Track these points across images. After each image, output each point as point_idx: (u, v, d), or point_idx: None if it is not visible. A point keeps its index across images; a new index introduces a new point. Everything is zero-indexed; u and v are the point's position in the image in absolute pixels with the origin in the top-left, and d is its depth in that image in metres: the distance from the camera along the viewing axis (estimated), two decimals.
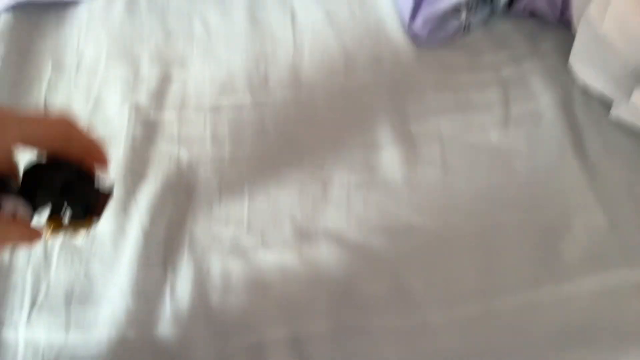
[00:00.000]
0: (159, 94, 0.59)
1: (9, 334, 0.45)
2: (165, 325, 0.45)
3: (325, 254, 0.49)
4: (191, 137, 0.56)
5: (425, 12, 0.59)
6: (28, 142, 0.32)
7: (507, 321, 0.45)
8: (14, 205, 0.32)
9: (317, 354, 0.44)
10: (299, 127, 0.57)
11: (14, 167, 0.33)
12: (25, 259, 0.49)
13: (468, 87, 0.59)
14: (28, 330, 0.45)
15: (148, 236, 0.48)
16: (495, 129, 0.56)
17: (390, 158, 0.54)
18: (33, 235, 0.34)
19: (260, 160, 0.54)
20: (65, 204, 0.35)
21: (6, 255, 0.49)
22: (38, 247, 0.49)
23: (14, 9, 0.65)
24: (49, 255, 0.49)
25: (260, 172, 0.54)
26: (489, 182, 0.52)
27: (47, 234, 0.36)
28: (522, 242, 0.49)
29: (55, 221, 0.36)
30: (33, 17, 0.66)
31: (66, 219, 0.36)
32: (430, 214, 0.51)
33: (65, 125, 0.34)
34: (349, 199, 0.52)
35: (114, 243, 0.49)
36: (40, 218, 0.35)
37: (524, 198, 0.51)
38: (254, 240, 0.50)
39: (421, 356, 0.44)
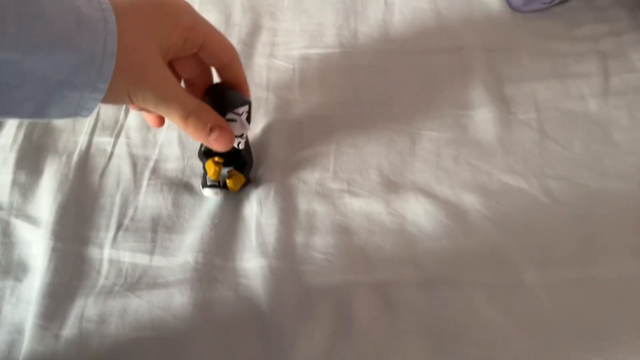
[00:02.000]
0: (249, 41, 0.59)
1: (94, 253, 0.45)
2: (250, 256, 0.44)
3: (413, 206, 0.47)
4: (280, 83, 0.55)
5: None
6: (197, 38, 0.36)
7: (605, 290, 0.42)
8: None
9: (404, 301, 0.42)
10: (389, 82, 0.55)
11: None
12: (115, 182, 0.49)
13: (565, 55, 0.57)
14: (113, 251, 0.45)
15: None
16: (594, 98, 0.53)
17: (483, 118, 0.52)
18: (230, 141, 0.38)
19: (348, 110, 0.53)
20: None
21: (96, 177, 0.49)
22: (128, 172, 0.49)
23: None
24: (139, 180, 0.49)
25: (347, 122, 0.53)
26: (588, 150, 0.50)
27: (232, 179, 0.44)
28: (623, 211, 0.46)
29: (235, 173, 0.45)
30: None
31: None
32: (526, 176, 0.48)
33: (232, 51, 0.39)
34: (438, 154, 0.50)
35: (202, 178, 0.48)
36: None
37: (626, 169, 0.49)
38: (340, 186, 0.48)
39: (515, 314, 0.41)
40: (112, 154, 0.51)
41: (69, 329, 0.41)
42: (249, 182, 0.48)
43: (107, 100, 0.31)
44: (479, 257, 0.44)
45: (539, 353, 0.40)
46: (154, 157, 0.50)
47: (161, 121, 0.42)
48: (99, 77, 0.30)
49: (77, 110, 0.31)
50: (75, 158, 0.50)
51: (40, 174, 0.49)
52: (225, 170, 0.45)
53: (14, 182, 0.48)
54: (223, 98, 0.40)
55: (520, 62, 0.56)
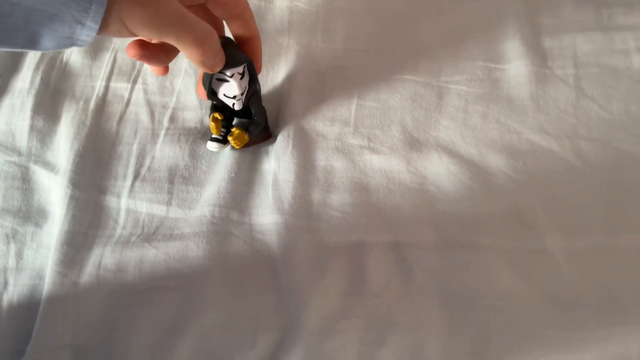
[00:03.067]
0: None
1: (112, 202, 0.45)
2: (266, 212, 0.44)
3: (436, 165, 0.45)
4: (302, 28, 0.53)
5: None
6: None
7: (631, 259, 0.41)
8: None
9: (420, 262, 0.41)
10: (419, 30, 0.52)
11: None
12: (132, 130, 0.48)
13: (612, 5, 0.52)
14: (130, 201, 0.45)
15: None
16: None
17: (517, 72, 0.49)
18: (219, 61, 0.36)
19: (373, 59, 0.51)
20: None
21: (114, 124, 0.48)
22: (146, 120, 0.48)
23: None
24: (157, 129, 0.48)
25: (371, 73, 0.50)
26: (627, 111, 0.47)
27: (233, 137, 0.43)
28: None
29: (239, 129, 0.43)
30: None
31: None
32: (558, 137, 0.46)
33: (244, 3, 0.38)
34: (466, 111, 0.48)
35: None
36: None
37: None
38: (360, 142, 0.47)
39: (534, 281, 0.40)
40: (129, 100, 0.50)
41: (87, 277, 0.41)
42: (269, 137, 0.47)
43: (103, 33, 0.30)
44: (500, 221, 0.43)
45: (556, 321, 0.39)
46: (172, 105, 0.49)
47: (165, 69, 0.41)
48: (88, 16, 0.28)
49: (71, 42, 0.30)
50: (92, 104, 0.49)
51: (58, 120, 0.48)
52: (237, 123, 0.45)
53: (32, 128, 0.48)
54: None
55: (561, 11, 0.52)
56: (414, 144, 0.47)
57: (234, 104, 0.41)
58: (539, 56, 0.49)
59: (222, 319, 0.40)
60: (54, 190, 0.45)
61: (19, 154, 0.47)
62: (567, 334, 0.38)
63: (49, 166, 0.46)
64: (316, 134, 0.47)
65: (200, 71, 0.42)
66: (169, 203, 0.45)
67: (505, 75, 0.49)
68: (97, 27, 0.29)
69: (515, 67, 0.49)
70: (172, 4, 0.31)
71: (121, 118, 0.49)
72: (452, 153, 0.46)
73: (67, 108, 0.49)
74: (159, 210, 0.44)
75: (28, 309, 0.41)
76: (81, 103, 0.49)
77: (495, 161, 0.45)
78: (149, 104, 0.49)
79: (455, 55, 0.51)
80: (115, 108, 0.49)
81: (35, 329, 0.39)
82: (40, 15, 0.27)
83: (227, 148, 0.46)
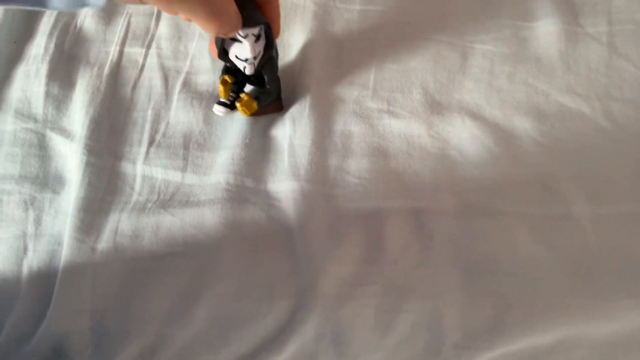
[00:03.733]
0: None
1: (127, 168, 0.45)
2: (282, 178, 0.43)
3: (459, 129, 0.44)
4: None
5: None
6: None
7: None
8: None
9: (439, 229, 0.40)
10: None
11: None
12: (146, 96, 0.47)
13: None
14: (145, 167, 0.45)
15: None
16: None
17: (546, 30, 0.46)
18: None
19: (394, 19, 0.49)
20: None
21: (128, 90, 0.48)
22: (159, 86, 0.47)
23: None
24: (170, 94, 0.47)
25: (391, 33, 0.48)
26: None
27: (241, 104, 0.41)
28: None
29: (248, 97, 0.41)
30: None
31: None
32: (588, 98, 0.43)
33: None
34: (491, 72, 0.46)
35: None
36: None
37: None
38: (379, 105, 0.45)
39: (557, 248, 0.39)
40: (143, 65, 0.49)
41: (104, 243, 0.41)
42: (281, 109, 0.46)
43: None
44: (524, 187, 0.41)
45: (580, 290, 0.38)
46: (185, 69, 0.48)
47: None
48: None
49: (82, 3, 0.28)
50: (106, 70, 0.48)
51: (73, 87, 0.48)
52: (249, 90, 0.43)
53: (47, 95, 0.47)
54: None
55: None
56: (435, 107, 0.45)
57: (244, 67, 0.40)
58: (570, 13, 0.47)
59: (237, 286, 0.40)
60: (70, 157, 0.45)
61: (35, 120, 0.47)
62: (591, 302, 0.37)
63: (65, 133, 0.46)
64: (334, 97, 0.46)
65: None
66: (184, 169, 0.44)
67: (534, 34, 0.47)
68: None
69: (544, 25, 0.47)
70: None
71: (135, 84, 0.48)
72: (476, 116, 0.44)
73: (81, 74, 0.48)
74: (175, 176, 0.44)
75: (47, 274, 0.41)
76: (95, 69, 0.48)
77: (522, 124, 0.43)
78: (163, 68, 0.48)
79: (480, 14, 0.48)
80: (130, 74, 0.49)
81: (54, 294, 0.40)
82: None
83: (238, 114, 0.44)
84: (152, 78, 0.48)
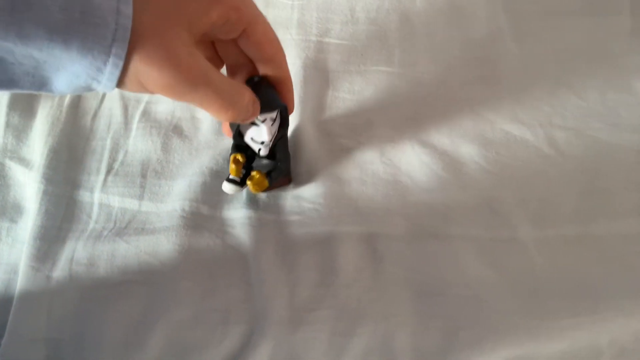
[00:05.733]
0: None
1: (85, 197, 0.45)
2: (238, 206, 0.44)
3: (409, 156, 0.45)
4: (278, 21, 0.52)
5: None
6: (240, 21, 0.31)
7: (602, 249, 0.41)
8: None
9: (390, 253, 0.41)
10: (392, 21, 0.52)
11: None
12: (106, 125, 0.48)
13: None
14: (103, 195, 0.45)
15: None
16: (620, 39, 0.49)
17: None
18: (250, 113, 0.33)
19: (348, 51, 0.50)
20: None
21: (88, 119, 0.48)
22: (119, 115, 0.48)
23: None
24: (129, 123, 0.48)
25: (344, 69, 0.50)
26: (603, 99, 0.47)
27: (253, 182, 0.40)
28: (631, 167, 0.43)
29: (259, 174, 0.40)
30: None
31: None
32: (532, 126, 0.46)
33: (277, 44, 0.34)
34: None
35: (191, 120, 0.48)
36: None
37: None
38: (337, 132, 0.47)
39: (504, 271, 0.40)
40: (104, 95, 0.50)
41: (59, 271, 0.42)
42: (289, 182, 0.45)
43: (123, 89, 0.28)
44: (472, 211, 0.43)
45: (526, 311, 0.39)
46: (145, 98, 0.49)
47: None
48: (103, 76, 0.26)
49: (87, 89, 0.27)
50: (67, 100, 0.49)
51: (34, 116, 0.49)
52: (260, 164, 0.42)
53: (8, 124, 0.48)
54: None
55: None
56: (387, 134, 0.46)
57: (259, 150, 0.39)
58: None
59: (192, 312, 0.40)
60: (28, 186, 0.45)
61: None
62: (537, 323, 0.38)
63: (24, 162, 0.47)
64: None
65: None
66: (141, 197, 0.45)
67: None
68: (113, 85, 0.26)
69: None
70: (195, 62, 0.27)
71: (95, 113, 0.49)
72: (425, 143, 0.46)
73: (42, 104, 0.49)
74: (131, 204, 0.44)
75: (3, 303, 0.41)
76: (56, 99, 0.49)
77: (468, 151, 0.45)
78: (123, 98, 0.49)
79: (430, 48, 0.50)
80: (91, 103, 0.49)
81: (9, 323, 0.40)
82: (52, 67, 0.26)
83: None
84: (112, 107, 0.49)
